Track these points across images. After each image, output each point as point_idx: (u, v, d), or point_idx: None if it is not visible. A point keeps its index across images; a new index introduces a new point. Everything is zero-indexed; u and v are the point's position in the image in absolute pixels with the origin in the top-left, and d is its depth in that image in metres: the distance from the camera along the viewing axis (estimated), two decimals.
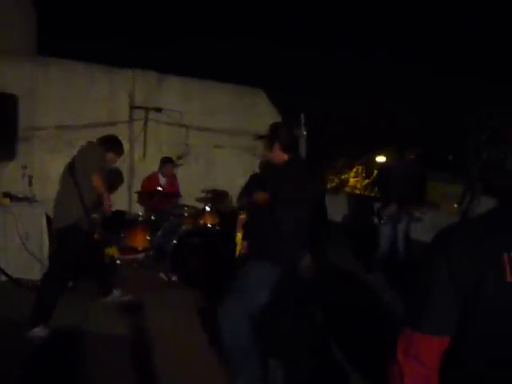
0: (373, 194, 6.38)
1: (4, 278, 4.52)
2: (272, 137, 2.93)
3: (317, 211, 3.15)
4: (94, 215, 4.00)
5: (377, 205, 5.78)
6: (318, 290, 4.56)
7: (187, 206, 6.20)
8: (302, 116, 8.04)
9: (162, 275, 5.25)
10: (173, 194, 6.21)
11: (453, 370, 1.11)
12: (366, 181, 17.38)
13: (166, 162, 6.19)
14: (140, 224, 5.69)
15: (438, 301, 1.09)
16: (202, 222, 6.06)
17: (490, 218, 1.10)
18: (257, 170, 6.24)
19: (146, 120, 6.77)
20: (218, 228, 6.05)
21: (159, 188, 6.05)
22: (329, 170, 17.67)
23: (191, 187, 6.83)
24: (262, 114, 7.79)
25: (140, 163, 6.87)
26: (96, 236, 4.14)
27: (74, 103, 6.16)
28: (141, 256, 5.66)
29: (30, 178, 5.41)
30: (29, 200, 5.15)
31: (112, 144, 4.10)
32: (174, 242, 5.31)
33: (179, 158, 6.78)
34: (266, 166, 5.58)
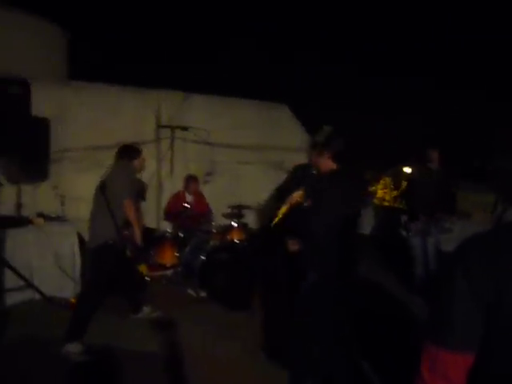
0: (401, 206, 6.28)
1: (38, 297, 4.62)
2: (323, 144, 2.84)
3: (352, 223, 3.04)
4: (126, 232, 4.09)
5: (404, 217, 5.66)
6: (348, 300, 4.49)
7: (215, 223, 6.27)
8: (326, 129, 8.01)
9: (190, 291, 5.28)
10: (202, 213, 6.28)
11: None
12: (395, 192, 17.08)
13: (191, 179, 6.28)
14: (168, 241, 5.76)
15: (461, 315, 1.04)
16: (229, 237, 6.09)
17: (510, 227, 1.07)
18: (282, 185, 6.25)
19: (173, 138, 6.89)
20: (246, 243, 6.06)
21: (186, 205, 6.12)
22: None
23: (218, 203, 6.89)
24: (287, 129, 7.83)
25: (167, 180, 6.97)
26: (128, 253, 4.21)
27: (103, 124, 6.33)
28: (169, 272, 5.72)
29: (62, 198, 5.58)
30: (61, 219, 5.30)
31: (131, 152, 4.24)
32: (202, 258, 5.35)
33: (208, 174, 6.87)
34: (302, 171, 5.54)
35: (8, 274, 4.38)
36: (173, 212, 6.19)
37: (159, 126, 6.88)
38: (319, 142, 2.86)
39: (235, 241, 6.07)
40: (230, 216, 6.45)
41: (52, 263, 4.82)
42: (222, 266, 5.20)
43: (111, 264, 3.94)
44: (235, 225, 6.27)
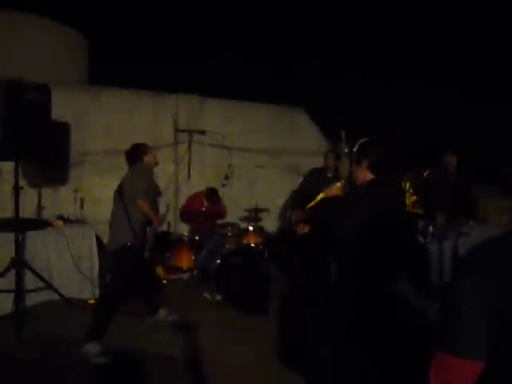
0: (419, 211, 6.20)
1: (57, 298, 4.69)
2: (360, 153, 2.73)
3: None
4: (147, 229, 4.15)
5: (421, 223, 5.60)
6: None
7: (231, 224, 6.28)
8: (343, 133, 7.99)
9: (206, 295, 5.30)
10: (217, 214, 6.30)
11: None
12: (413, 197, 16.92)
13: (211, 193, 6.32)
14: (185, 244, 5.81)
15: (469, 322, 1.03)
16: (245, 241, 6.11)
17: None
18: (298, 188, 6.25)
19: (190, 143, 6.95)
20: (262, 247, 6.07)
21: (203, 209, 6.16)
22: None
23: (234, 207, 6.93)
24: (303, 132, 7.83)
25: (185, 184, 7.03)
26: (146, 254, 4.26)
27: (122, 128, 6.42)
28: (185, 276, 5.75)
29: (82, 201, 5.67)
30: (80, 222, 5.39)
31: (140, 151, 4.22)
32: (218, 261, 5.37)
33: (226, 177, 6.91)
34: (318, 174, 5.48)
35: (28, 275, 4.46)
36: (189, 211, 6.23)
37: (177, 130, 6.95)
38: (356, 151, 2.76)
39: (251, 244, 6.08)
40: (247, 219, 6.47)
41: (71, 265, 4.90)
42: (237, 270, 5.21)
43: (131, 266, 3.99)
44: (251, 228, 6.28)
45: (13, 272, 4.16)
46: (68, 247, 4.90)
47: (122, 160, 5.93)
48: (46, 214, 5.65)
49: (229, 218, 6.66)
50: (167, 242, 5.90)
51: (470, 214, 5.45)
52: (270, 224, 7.31)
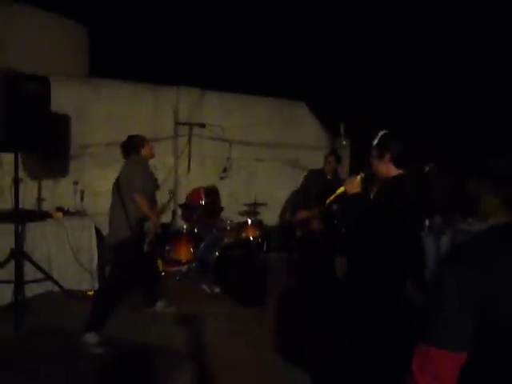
0: None
1: (56, 289, 4.73)
2: (382, 146, 2.64)
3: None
4: (147, 224, 4.15)
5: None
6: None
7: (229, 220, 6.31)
8: (342, 126, 8.02)
9: (204, 287, 5.33)
10: (214, 208, 6.33)
11: None
12: None
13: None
14: (184, 236, 5.83)
15: (451, 314, 1.05)
16: (244, 234, 6.13)
17: (504, 230, 1.07)
18: (299, 183, 6.27)
19: (190, 136, 6.95)
20: (260, 240, 6.10)
21: (202, 202, 6.18)
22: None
23: (233, 200, 6.95)
24: (304, 126, 7.84)
25: (184, 177, 7.05)
26: (146, 248, 4.27)
27: (122, 121, 6.42)
28: (184, 268, 5.79)
29: (82, 193, 5.70)
30: (80, 214, 5.42)
31: (136, 143, 4.16)
32: (217, 254, 5.40)
33: (224, 170, 6.93)
34: (318, 175, 5.51)
35: (27, 266, 4.49)
36: (188, 205, 6.27)
37: (177, 123, 6.95)
38: (376, 145, 2.67)
39: (250, 238, 6.11)
40: (246, 213, 6.50)
41: (70, 256, 4.93)
42: (236, 263, 5.24)
43: (130, 260, 4.00)
44: (250, 222, 6.30)
45: (12, 263, 4.19)
46: (67, 239, 4.92)
47: None
48: (45, 206, 5.68)
49: (227, 212, 6.68)
50: (166, 235, 5.92)
51: (467, 211, 5.45)
52: (269, 217, 7.34)
